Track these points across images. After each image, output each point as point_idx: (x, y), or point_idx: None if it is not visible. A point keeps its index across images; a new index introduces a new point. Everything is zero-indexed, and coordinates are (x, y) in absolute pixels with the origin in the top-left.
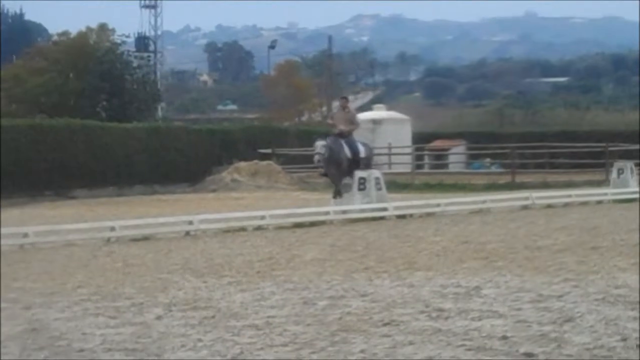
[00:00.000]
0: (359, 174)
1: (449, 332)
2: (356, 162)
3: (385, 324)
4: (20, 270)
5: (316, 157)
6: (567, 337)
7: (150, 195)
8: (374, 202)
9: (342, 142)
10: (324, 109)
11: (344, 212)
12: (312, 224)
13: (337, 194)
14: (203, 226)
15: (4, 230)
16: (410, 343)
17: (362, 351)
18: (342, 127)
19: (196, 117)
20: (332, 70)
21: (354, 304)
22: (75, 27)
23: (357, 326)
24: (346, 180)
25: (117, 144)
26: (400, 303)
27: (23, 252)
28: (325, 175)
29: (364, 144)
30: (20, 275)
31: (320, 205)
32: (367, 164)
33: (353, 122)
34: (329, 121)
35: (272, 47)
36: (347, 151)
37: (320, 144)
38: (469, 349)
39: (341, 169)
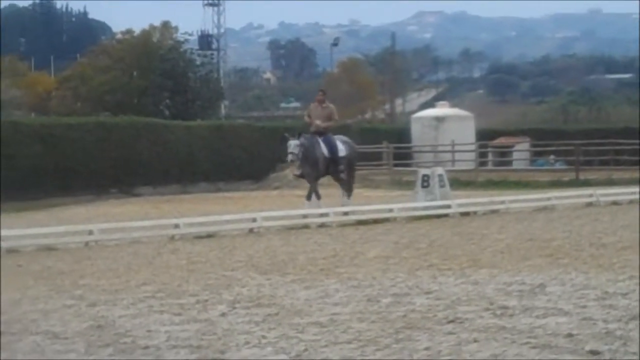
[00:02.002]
0: (422, 171)
1: (514, 330)
2: (335, 162)
3: (449, 322)
4: (86, 268)
5: (289, 157)
6: (632, 334)
7: (214, 192)
8: (438, 200)
9: (319, 139)
10: (387, 106)
11: (408, 209)
12: (376, 222)
13: (311, 195)
14: (266, 223)
15: (70, 228)
16: (475, 341)
17: (426, 349)
18: (318, 122)
19: (259, 115)
20: (395, 67)
21: (418, 302)
22: (138, 25)
23: (422, 324)
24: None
25: (180, 142)
26: (464, 300)
27: (88, 250)
28: (300, 176)
29: (346, 142)
30: (85, 273)
31: (384, 202)
32: (350, 163)
33: (331, 118)
34: (306, 118)
35: (334, 44)
36: (323, 149)
37: (293, 143)
38: (534, 347)
39: (317, 169)
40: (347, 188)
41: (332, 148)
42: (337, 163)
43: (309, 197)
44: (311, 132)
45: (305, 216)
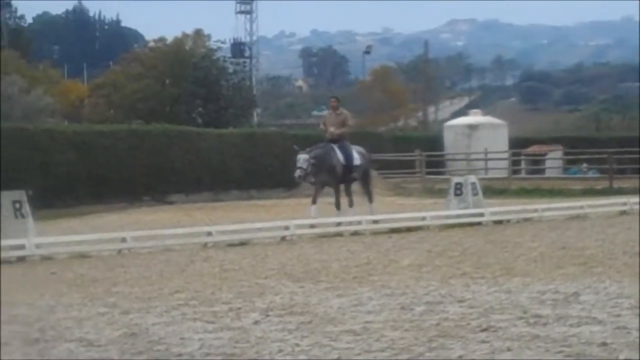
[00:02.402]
0: (455, 179)
1: (548, 339)
2: (350, 170)
3: (483, 330)
4: (119, 275)
5: (297, 173)
6: None
7: (246, 200)
8: (471, 208)
9: (335, 147)
10: (420, 114)
11: (441, 217)
12: (409, 230)
13: (316, 202)
14: (299, 231)
15: (103, 235)
16: (508, 349)
17: (460, 357)
18: (332, 129)
19: (291, 123)
20: (427, 75)
21: (451, 310)
22: (171, 33)
23: (455, 332)
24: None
25: (213, 150)
26: (498, 309)
27: (121, 257)
28: (320, 184)
29: (360, 152)
30: (118, 280)
31: (416, 210)
32: (364, 173)
33: (345, 124)
34: (321, 126)
35: (367, 52)
36: (339, 157)
37: (302, 158)
38: (568, 356)
39: (335, 176)
40: (368, 197)
41: (348, 156)
42: (352, 171)
43: (338, 206)
44: (326, 140)
45: (338, 224)
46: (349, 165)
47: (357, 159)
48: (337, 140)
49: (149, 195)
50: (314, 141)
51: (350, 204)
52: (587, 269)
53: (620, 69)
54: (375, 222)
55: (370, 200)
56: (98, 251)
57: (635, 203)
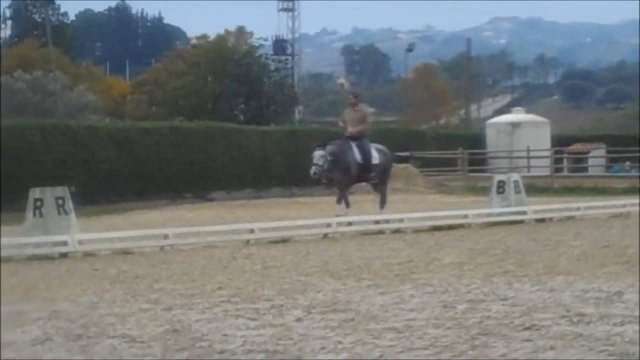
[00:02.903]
0: (497, 177)
1: (591, 337)
2: (367, 169)
3: (525, 328)
4: (161, 272)
5: (313, 170)
6: None
7: (288, 197)
8: (513, 206)
9: (352, 144)
10: (462, 112)
11: (483, 215)
12: (451, 227)
13: (341, 201)
14: (341, 229)
15: (145, 232)
16: (552, 348)
17: (502, 355)
18: (350, 128)
19: (333, 120)
20: (470, 73)
21: (494, 308)
22: (213, 30)
23: (498, 330)
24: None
25: (254, 147)
26: (540, 307)
27: (163, 254)
28: (330, 182)
29: (380, 150)
30: (161, 277)
31: (458, 208)
32: (384, 172)
33: (364, 122)
34: (340, 123)
35: (409, 50)
36: (356, 155)
37: (318, 154)
38: (611, 355)
39: (349, 175)
40: (381, 198)
41: (365, 154)
42: (369, 170)
43: (339, 201)
44: (345, 137)
45: (377, 222)
46: (366, 164)
47: (375, 158)
48: (355, 137)
49: (190, 192)
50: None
51: (381, 205)
52: (630, 268)
53: None
54: (377, 222)
55: (382, 204)
56: (140, 248)
57: None
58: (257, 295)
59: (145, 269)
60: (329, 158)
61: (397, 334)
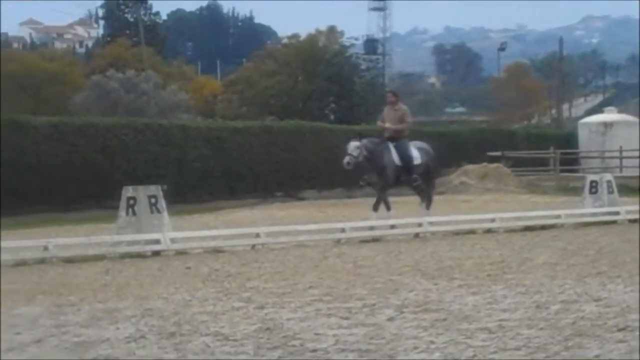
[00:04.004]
0: (590, 177)
1: None
2: (408, 170)
3: (620, 330)
4: (253, 270)
5: (346, 160)
6: None
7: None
8: (606, 206)
9: (390, 145)
10: (554, 111)
11: (576, 215)
12: (543, 227)
13: (379, 205)
14: (432, 228)
15: (237, 230)
16: None
17: (596, 356)
18: (388, 125)
19: (424, 120)
20: (562, 72)
21: (587, 309)
22: (304, 29)
23: (591, 331)
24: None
25: (345, 146)
26: (635, 309)
27: (255, 252)
28: (367, 184)
29: (422, 149)
30: (253, 275)
31: (550, 208)
32: (428, 172)
33: (403, 121)
34: (379, 123)
35: (501, 49)
36: (394, 156)
37: (353, 145)
38: None
39: (385, 177)
40: (427, 199)
41: (405, 155)
42: (411, 172)
43: (375, 208)
44: (385, 137)
45: (470, 221)
46: (406, 166)
47: (417, 158)
48: (394, 137)
49: (281, 191)
50: (447, 138)
51: (427, 206)
52: None
53: None
54: (392, 227)
55: (428, 205)
56: (232, 246)
57: None
58: (348, 294)
59: (237, 268)
60: (364, 153)
61: (489, 334)
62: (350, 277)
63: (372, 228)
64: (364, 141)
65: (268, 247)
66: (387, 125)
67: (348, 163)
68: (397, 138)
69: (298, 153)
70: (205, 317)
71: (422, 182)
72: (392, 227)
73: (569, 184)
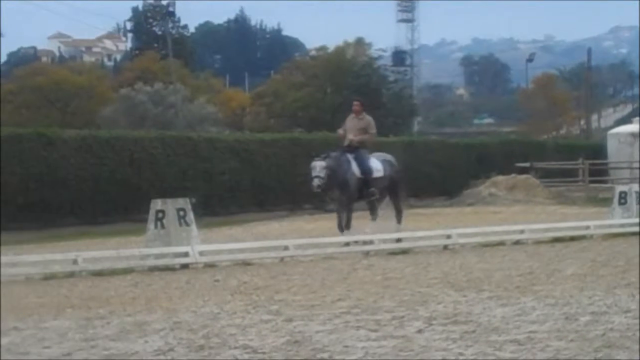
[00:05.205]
0: (619, 188)
1: None
2: (366, 183)
3: None
4: (282, 283)
5: (315, 182)
6: None
7: (406, 209)
8: (635, 217)
9: (349, 156)
10: (583, 122)
11: (605, 226)
12: (572, 239)
13: (344, 225)
14: (461, 240)
15: (266, 243)
16: None
17: None
18: (351, 136)
19: (452, 131)
20: (590, 83)
21: (616, 320)
22: (332, 42)
23: (621, 342)
24: (381, 206)
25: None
26: None
27: (284, 265)
28: (332, 200)
29: (386, 161)
30: (281, 288)
31: (580, 219)
32: (393, 186)
33: (367, 131)
34: (339, 132)
35: (530, 60)
36: (354, 169)
37: (319, 165)
38: None
39: (348, 192)
40: (396, 213)
41: (364, 167)
42: (369, 185)
43: (343, 227)
44: (343, 148)
45: (499, 233)
46: (365, 178)
47: (378, 170)
48: (354, 148)
49: (309, 203)
50: (476, 149)
51: (374, 218)
52: None
53: None
54: (399, 240)
55: (399, 219)
56: (260, 259)
57: None
58: (377, 307)
59: (265, 280)
60: (328, 173)
61: (518, 346)
62: (379, 289)
63: (399, 240)
64: (326, 162)
65: (296, 259)
66: (350, 135)
67: (318, 186)
68: (357, 149)
69: None
70: (233, 330)
71: (388, 196)
72: (347, 244)
73: (598, 194)
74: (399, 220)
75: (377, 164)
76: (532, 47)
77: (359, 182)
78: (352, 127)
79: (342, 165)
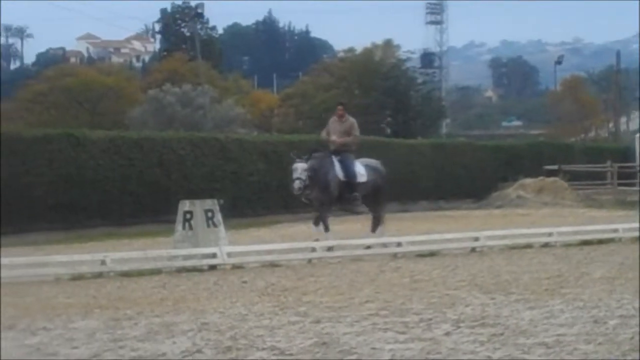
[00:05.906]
0: None
1: None
2: (350, 187)
3: None
4: (309, 285)
5: (296, 184)
6: None
7: (434, 211)
8: None
9: (334, 159)
10: (611, 125)
11: (633, 229)
12: (600, 242)
13: (319, 223)
14: (489, 242)
15: (293, 245)
16: None
17: None
18: (333, 138)
19: (480, 133)
20: (619, 85)
21: None
22: (360, 43)
23: None
24: (360, 207)
25: (401, 160)
26: None
27: (311, 267)
28: (309, 200)
29: (369, 166)
30: (309, 290)
31: (608, 222)
32: (376, 191)
33: (350, 134)
34: (323, 134)
35: (558, 62)
36: (338, 171)
37: (300, 167)
38: None
39: (328, 194)
40: (373, 220)
41: (348, 171)
42: (352, 189)
43: (317, 222)
44: (328, 150)
45: (527, 235)
46: (349, 182)
47: (362, 175)
48: (339, 151)
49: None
50: (504, 152)
51: (373, 228)
52: None
53: None
54: (330, 249)
55: (374, 227)
56: (288, 260)
57: None
58: (405, 309)
59: (293, 282)
60: (308, 174)
61: (547, 349)
62: (407, 292)
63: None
64: (309, 163)
65: (324, 261)
66: (333, 138)
67: (299, 188)
68: (342, 152)
69: None
70: (261, 332)
71: (371, 201)
72: (330, 249)
73: (627, 197)
74: (373, 229)
75: (361, 169)
76: (560, 50)
77: (341, 184)
78: (335, 130)
79: (324, 166)
